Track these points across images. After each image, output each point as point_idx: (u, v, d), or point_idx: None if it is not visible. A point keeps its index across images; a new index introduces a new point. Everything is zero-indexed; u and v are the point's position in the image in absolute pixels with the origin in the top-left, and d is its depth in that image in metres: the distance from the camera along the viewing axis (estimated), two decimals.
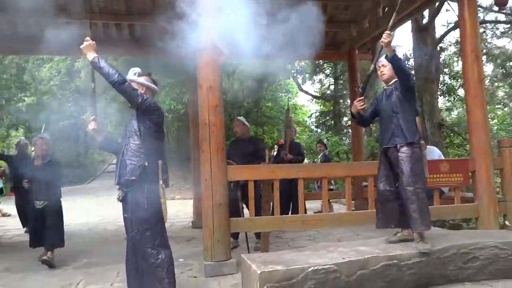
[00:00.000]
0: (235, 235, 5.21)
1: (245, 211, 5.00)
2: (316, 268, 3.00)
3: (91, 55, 2.98)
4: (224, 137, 4.18)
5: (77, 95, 19.41)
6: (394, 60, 3.43)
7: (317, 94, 21.62)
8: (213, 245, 4.04)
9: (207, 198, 4.06)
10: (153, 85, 3.28)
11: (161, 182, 3.06)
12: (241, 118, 5.67)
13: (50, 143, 5.02)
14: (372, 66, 3.65)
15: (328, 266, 3.05)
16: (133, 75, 3.22)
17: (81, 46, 3.00)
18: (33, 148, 5.17)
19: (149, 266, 3.00)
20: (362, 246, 3.57)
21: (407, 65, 5.69)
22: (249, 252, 4.57)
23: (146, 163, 2.99)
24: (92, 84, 3.24)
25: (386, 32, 3.40)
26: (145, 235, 3.01)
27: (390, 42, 3.40)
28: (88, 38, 3.02)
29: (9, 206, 9.21)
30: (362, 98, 3.65)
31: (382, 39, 3.40)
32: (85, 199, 13.49)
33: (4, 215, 9.64)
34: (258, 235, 5.18)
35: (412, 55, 11.96)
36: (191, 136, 7.31)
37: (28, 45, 6.77)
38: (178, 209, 9.66)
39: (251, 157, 5.16)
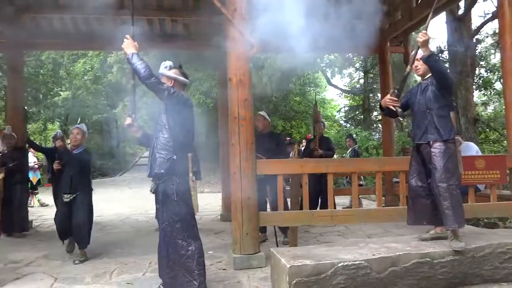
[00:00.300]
0: (263, 229, 5.23)
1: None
2: (346, 263, 2.98)
3: (129, 51, 3.06)
4: (253, 131, 4.20)
5: (110, 89, 19.95)
6: (430, 61, 3.30)
7: (346, 88, 21.33)
8: (242, 238, 4.08)
9: (236, 192, 4.09)
10: (182, 78, 3.32)
11: (191, 174, 3.12)
12: (263, 113, 5.62)
13: (85, 134, 4.92)
14: (409, 67, 3.50)
15: (358, 262, 3.01)
16: (164, 68, 3.28)
17: (122, 46, 3.10)
18: (68, 140, 5.26)
19: (179, 257, 3.07)
20: (393, 242, 3.50)
21: (442, 62, 5.26)
22: (277, 246, 4.59)
23: (175, 157, 3.05)
24: (131, 81, 3.32)
25: (423, 31, 3.29)
26: (176, 227, 3.08)
27: (426, 41, 3.28)
28: (128, 36, 3.11)
29: (47, 196, 9.61)
30: (396, 99, 3.51)
31: (418, 38, 3.29)
32: (117, 191, 13.88)
33: (42, 205, 10.07)
34: (284, 229, 5.20)
35: (446, 47, 11.58)
36: (220, 130, 7.36)
37: (79, 41, 7.26)
38: (207, 202, 9.79)
39: (273, 152, 5.11)
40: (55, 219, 4.83)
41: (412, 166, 3.62)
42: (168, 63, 3.32)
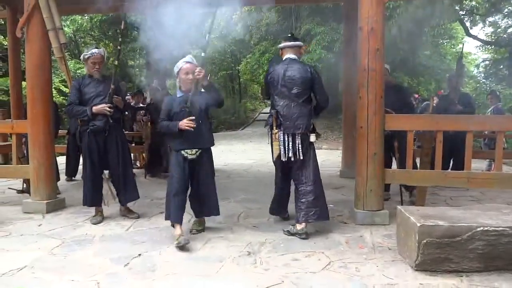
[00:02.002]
0: (386, 187, 5.04)
1: None
2: (486, 228, 2.71)
3: None
4: (383, 84, 3.96)
5: (234, 47, 20.75)
6: None
7: (489, 40, 18.58)
8: (366, 194, 3.99)
9: (362, 147, 3.97)
10: (280, 46, 4.04)
11: (275, 129, 3.77)
12: (387, 66, 5.27)
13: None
14: None
15: (501, 228, 2.71)
16: None
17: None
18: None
19: None
20: None
21: None
22: (402, 205, 4.39)
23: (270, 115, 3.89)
24: None
25: None
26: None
27: None
28: None
29: None
30: None
31: None
32: (240, 144, 14.67)
33: None
34: (409, 188, 4.95)
35: None
36: (344, 83, 7.13)
37: None
38: (325, 158, 9.78)
39: (397, 105, 4.75)
40: (170, 192, 3.64)
41: None
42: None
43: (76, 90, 4.22)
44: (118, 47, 4.44)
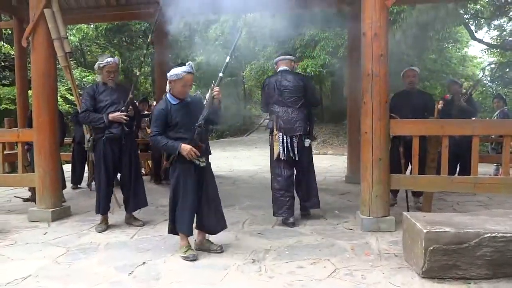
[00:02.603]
0: (394, 193, 5.02)
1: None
2: (494, 235, 2.67)
3: None
4: (388, 89, 3.94)
5: (238, 52, 20.79)
6: None
7: (494, 43, 18.47)
8: (371, 200, 3.97)
9: (367, 152, 3.96)
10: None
11: (275, 131, 4.26)
12: (416, 68, 5.27)
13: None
14: None
15: (510, 234, 2.67)
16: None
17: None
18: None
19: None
20: None
21: None
22: (408, 211, 4.35)
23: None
24: None
25: None
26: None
27: None
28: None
29: None
30: None
31: None
32: (245, 150, 14.68)
33: None
34: (416, 194, 4.99)
35: None
36: (348, 88, 7.12)
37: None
38: (330, 164, 9.76)
39: (421, 111, 4.78)
40: (183, 204, 3.36)
41: None
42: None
43: (90, 97, 4.25)
44: (142, 58, 4.52)
